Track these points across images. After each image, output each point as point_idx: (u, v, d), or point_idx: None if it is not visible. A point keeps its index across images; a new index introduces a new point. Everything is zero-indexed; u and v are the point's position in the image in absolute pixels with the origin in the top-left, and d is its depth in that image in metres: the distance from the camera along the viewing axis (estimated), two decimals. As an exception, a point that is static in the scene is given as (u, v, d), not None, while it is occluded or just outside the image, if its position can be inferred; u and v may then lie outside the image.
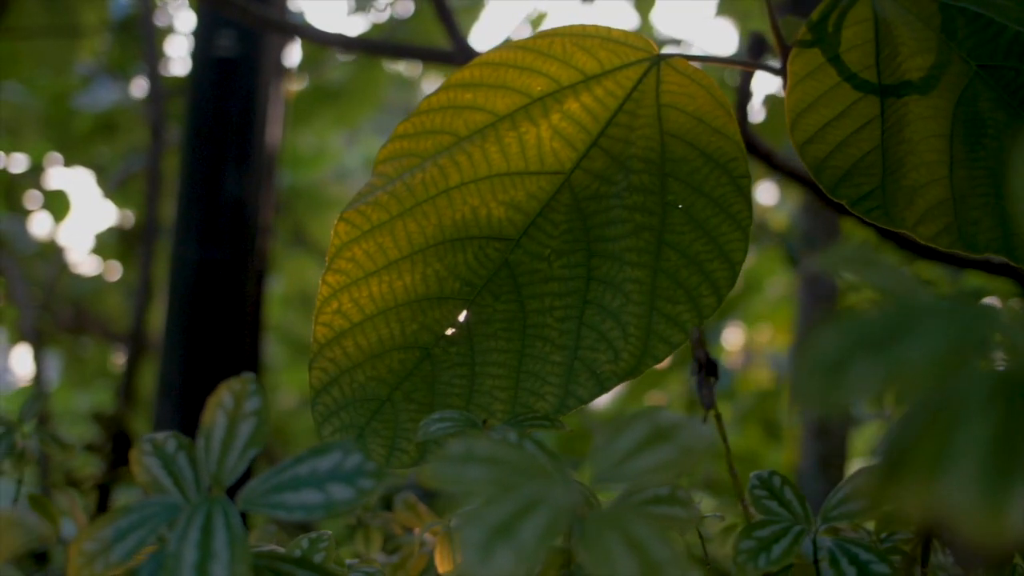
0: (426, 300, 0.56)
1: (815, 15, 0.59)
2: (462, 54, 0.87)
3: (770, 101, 1.74)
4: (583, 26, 0.58)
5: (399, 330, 0.55)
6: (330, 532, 0.52)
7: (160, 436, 0.42)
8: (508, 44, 0.58)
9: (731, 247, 0.55)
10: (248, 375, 0.42)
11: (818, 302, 1.87)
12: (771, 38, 0.65)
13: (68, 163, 2.28)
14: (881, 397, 0.23)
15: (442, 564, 0.61)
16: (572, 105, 0.57)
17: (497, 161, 0.57)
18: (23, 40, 1.70)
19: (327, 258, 0.56)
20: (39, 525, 0.38)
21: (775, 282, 2.55)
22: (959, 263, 1.03)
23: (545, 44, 0.58)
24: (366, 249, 0.56)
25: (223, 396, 0.41)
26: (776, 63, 0.67)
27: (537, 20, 2.66)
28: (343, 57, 2.38)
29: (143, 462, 0.42)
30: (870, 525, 0.54)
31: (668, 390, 2.49)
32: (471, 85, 0.58)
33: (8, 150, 2.22)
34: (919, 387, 0.23)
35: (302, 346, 2.45)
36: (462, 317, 0.56)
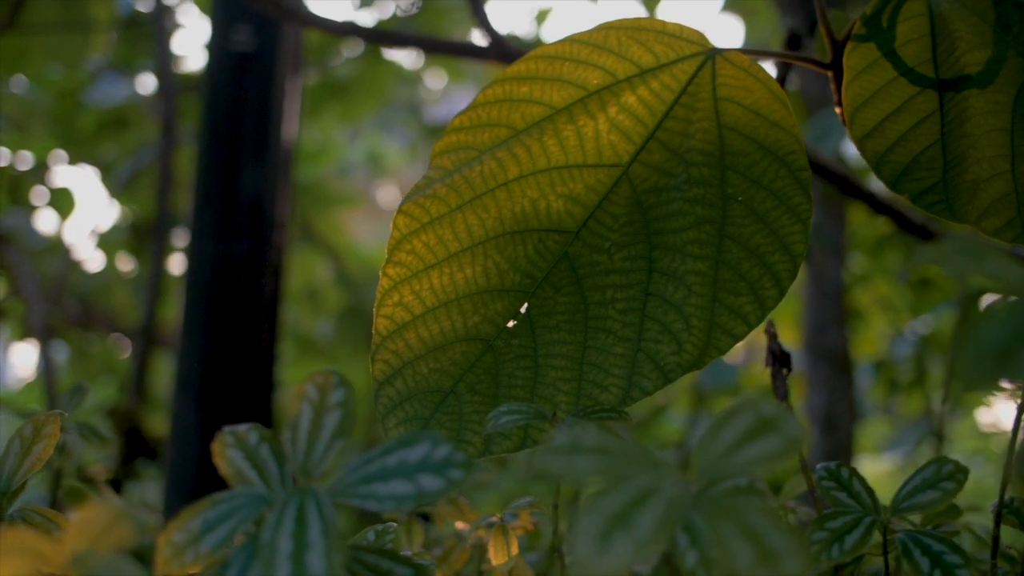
0: (487, 292, 0.56)
1: (869, 9, 0.59)
2: (497, 49, 0.87)
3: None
4: (638, 20, 0.58)
5: (461, 322, 0.55)
6: (395, 524, 0.52)
7: (241, 428, 0.42)
8: (563, 38, 0.58)
9: (791, 239, 0.55)
10: (330, 370, 0.42)
11: (824, 297, 1.87)
12: (809, 32, 0.65)
13: (73, 160, 2.27)
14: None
15: (496, 556, 0.61)
16: (629, 98, 0.57)
17: (555, 154, 0.57)
18: (35, 36, 1.69)
19: (387, 250, 0.56)
20: (148, 518, 0.38)
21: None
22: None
23: (600, 37, 0.58)
24: (426, 241, 0.56)
25: (308, 389, 0.41)
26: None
27: (541, 16, 2.66)
28: (349, 52, 2.38)
29: (226, 455, 0.41)
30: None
31: (672, 387, 2.49)
32: (527, 78, 0.58)
33: (15, 147, 2.21)
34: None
35: (308, 342, 2.45)
36: (523, 309, 0.56)
